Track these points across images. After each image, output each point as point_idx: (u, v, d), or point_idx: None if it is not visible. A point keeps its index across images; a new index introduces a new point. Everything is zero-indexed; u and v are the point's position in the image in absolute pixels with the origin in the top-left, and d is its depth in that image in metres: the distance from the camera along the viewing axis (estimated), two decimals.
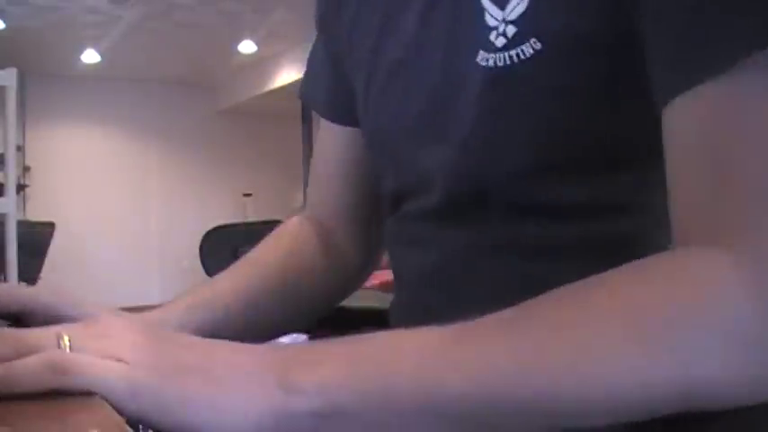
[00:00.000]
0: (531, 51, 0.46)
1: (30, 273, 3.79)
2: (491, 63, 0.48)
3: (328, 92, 0.73)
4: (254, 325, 0.69)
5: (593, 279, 0.38)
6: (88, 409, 0.35)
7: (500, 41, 0.47)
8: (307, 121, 6.87)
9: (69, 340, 0.38)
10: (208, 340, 0.41)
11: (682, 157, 0.40)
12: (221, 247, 4.28)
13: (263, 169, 7.58)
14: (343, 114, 0.71)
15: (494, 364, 0.37)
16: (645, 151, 0.45)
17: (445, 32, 0.53)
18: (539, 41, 0.46)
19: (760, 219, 0.37)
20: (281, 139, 7.45)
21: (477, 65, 0.49)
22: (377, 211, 0.74)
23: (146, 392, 0.36)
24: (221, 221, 4.83)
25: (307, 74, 0.76)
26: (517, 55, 0.47)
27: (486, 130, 0.50)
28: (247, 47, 5.95)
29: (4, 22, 5.03)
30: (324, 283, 0.75)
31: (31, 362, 0.36)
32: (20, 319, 0.60)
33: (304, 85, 0.76)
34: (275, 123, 7.46)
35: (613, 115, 0.46)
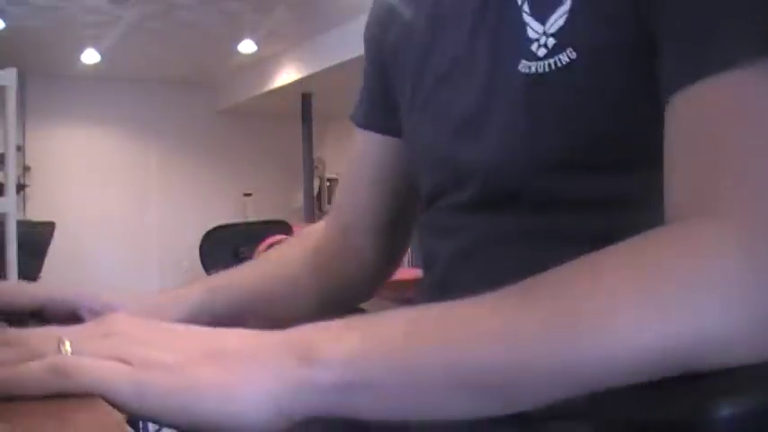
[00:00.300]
0: (567, 60, 0.52)
1: (30, 273, 3.78)
2: (532, 70, 0.54)
3: (367, 101, 0.79)
4: (268, 315, 0.72)
5: (603, 251, 0.40)
6: (88, 408, 0.35)
7: (541, 52, 0.53)
8: (307, 121, 6.87)
9: (70, 345, 0.38)
10: (215, 329, 0.40)
11: (679, 142, 0.44)
12: (221, 247, 4.28)
13: (263, 169, 7.58)
14: (378, 122, 0.77)
15: (516, 331, 0.38)
16: None
17: (489, 45, 0.58)
18: (574, 51, 0.51)
19: (750, 191, 0.40)
20: (281, 139, 7.45)
21: (519, 72, 0.54)
22: (402, 216, 0.79)
23: (152, 393, 0.36)
24: (221, 221, 4.83)
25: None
26: (555, 63, 0.52)
27: (524, 130, 0.55)
28: (247, 47, 5.94)
29: (4, 22, 5.03)
30: (343, 283, 0.79)
31: (34, 366, 0.36)
32: (19, 319, 0.61)
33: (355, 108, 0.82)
34: (275, 123, 7.46)
35: (642, 116, 0.49)
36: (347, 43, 5.09)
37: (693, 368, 0.37)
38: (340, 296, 0.79)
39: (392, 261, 0.82)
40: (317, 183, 7.27)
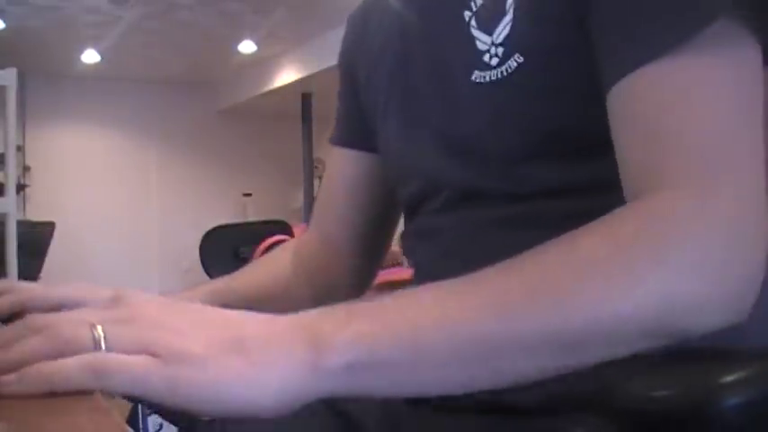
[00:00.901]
0: (516, 64, 0.55)
1: (30, 273, 3.78)
2: (486, 79, 0.57)
3: (342, 121, 0.85)
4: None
5: (577, 231, 0.44)
6: (88, 408, 0.35)
7: (494, 61, 0.57)
8: (307, 121, 6.87)
9: (102, 330, 0.39)
10: (230, 313, 0.42)
11: (624, 129, 0.48)
12: (221, 247, 4.28)
13: (263, 169, 7.58)
14: (353, 140, 0.82)
15: (506, 299, 0.41)
16: None
17: (444, 61, 0.62)
18: (521, 55, 0.55)
19: (696, 161, 0.44)
20: (281, 139, 7.45)
21: (474, 83, 0.58)
22: (380, 221, 0.84)
23: (183, 388, 0.37)
24: (221, 221, 4.83)
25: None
26: (506, 69, 0.56)
27: (488, 136, 0.59)
28: (247, 47, 5.94)
29: (4, 22, 5.03)
30: (331, 289, 0.84)
31: (72, 364, 0.37)
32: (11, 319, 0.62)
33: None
34: (275, 123, 7.46)
35: (594, 107, 0.51)
36: None
37: (670, 331, 0.40)
38: (327, 300, 0.83)
39: (375, 263, 0.87)
40: (316, 183, 7.27)
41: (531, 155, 0.57)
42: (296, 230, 4.38)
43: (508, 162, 0.58)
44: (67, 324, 0.40)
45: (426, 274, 0.68)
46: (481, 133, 0.59)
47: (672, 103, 0.45)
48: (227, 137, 7.51)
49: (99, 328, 0.39)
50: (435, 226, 0.66)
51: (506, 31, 0.56)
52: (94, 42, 5.72)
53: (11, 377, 0.37)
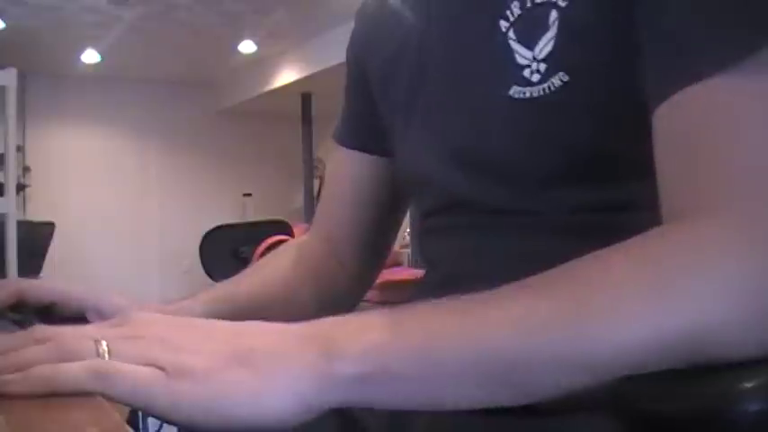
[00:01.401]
0: (560, 83, 0.53)
1: (30, 273, 3.78)
2: (526, 95, 0.55)
3: (351, 121, 0.82)
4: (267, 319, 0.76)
5: (610, 249, 0.42)
6: (88, 408, 0.35)
7: (535, 77, 0.54)
8: (307, 121, 6.87)
9: (107, 345, 0.39)
10: (238, 325, 0.42)
11: (671, 148, 0.46)
12: (221, 247, 4.28)
13: (263, 169, 7.58)
14: (363, 143, 0.80)
15: (529, 320, 0.39)
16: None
17: (478, 72, 0.59)
18: (566, 74, 0.53)
19: (744, 189, 0.42)
20: (281, 139, 7.45)
21: (511, 98, 0.56)
22: (383, 224, 0.83)
23: (186, 403, 0.37)
24: (221, 221, 4.83)
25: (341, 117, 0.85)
26: (549, 87, 0.54)
27: (521, 155, 0.57)
28: (247, 47, 5.94)
29: (4, 22, 5.03)
30: (331, 290, 0.83)
31: (75, 366, 0.37)
32: (24, 320, 0.63)
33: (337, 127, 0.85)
34: (275, 123, 7.46)
35: (633, 127, 0.50)
36: (347, 44, 5.08)
37: (697, 359, 0.39)
38: (330, 301, 0.83)
39: (377, 264, 0.86)
40: (316, 183, 7.26)
41: (563, 175, 0.55)
42: (296, 230, 4.37)
43: (538, 182, 0.56)
44: (71, 337, 0.40)
45: (445, 273, 0.67)
46: (512, 151, 0.57)
47: (716, 125, 0.44)
48: (227, 137, 7.50)
49: (104, 343, 0.39)
50: (456, 224, 0.65)
51: (549, 48, 0.54)
52: (94, 42, 5.72)
53: (13, 376, 0.37)
